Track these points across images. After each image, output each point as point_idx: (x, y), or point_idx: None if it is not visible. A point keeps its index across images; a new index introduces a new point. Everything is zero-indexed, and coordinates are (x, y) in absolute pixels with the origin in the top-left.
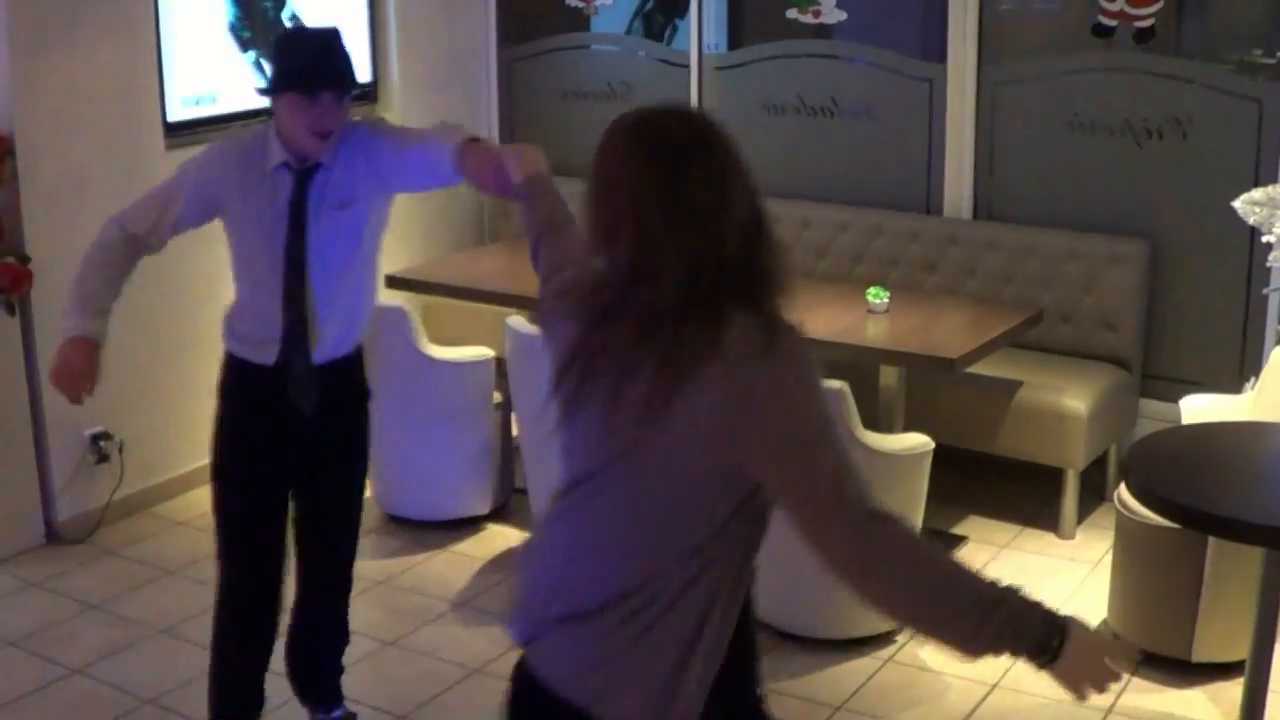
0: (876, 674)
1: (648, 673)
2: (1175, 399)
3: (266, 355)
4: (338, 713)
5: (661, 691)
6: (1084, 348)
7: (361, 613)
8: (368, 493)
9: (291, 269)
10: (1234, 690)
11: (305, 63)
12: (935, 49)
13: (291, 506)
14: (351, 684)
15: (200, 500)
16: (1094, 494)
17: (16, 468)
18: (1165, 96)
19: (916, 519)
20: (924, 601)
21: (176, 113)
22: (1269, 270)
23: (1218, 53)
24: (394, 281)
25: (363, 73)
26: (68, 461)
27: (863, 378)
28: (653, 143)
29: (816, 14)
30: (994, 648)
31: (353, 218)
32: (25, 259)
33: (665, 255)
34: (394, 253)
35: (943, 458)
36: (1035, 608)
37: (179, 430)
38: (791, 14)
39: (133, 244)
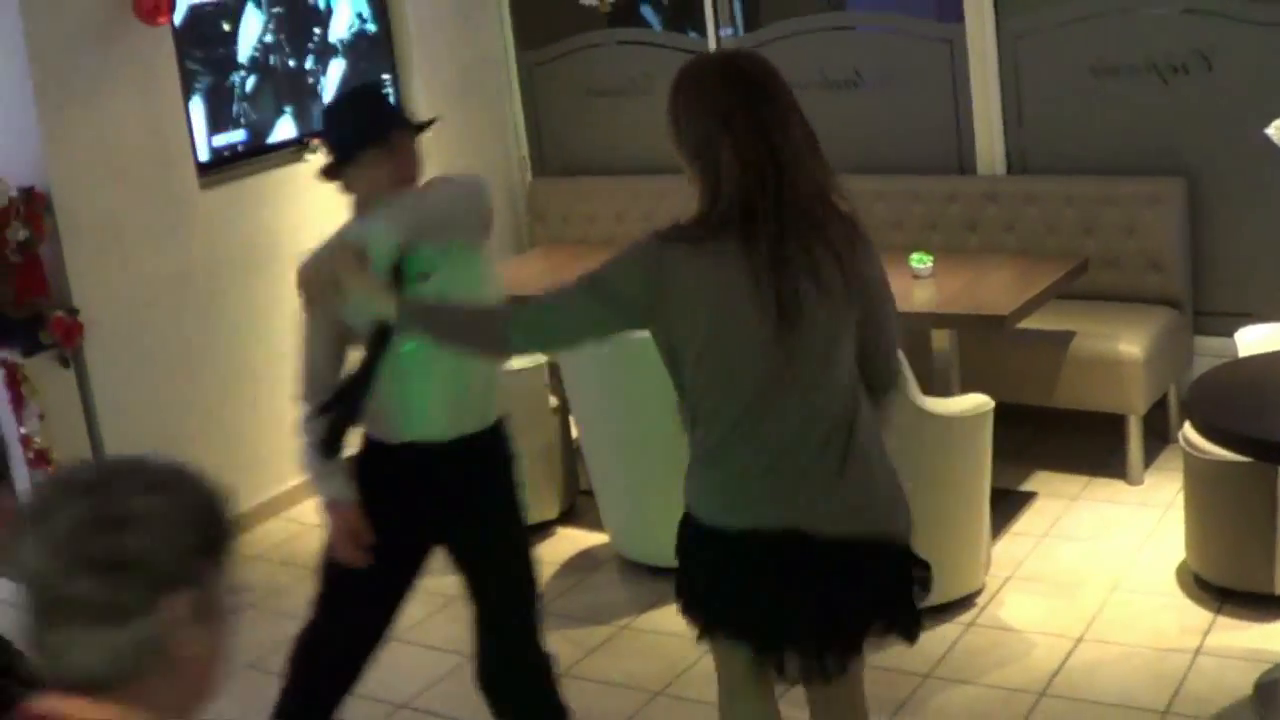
0: (961, 638)
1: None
2: (1229, 333)
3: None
4: None
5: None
6: (1132, 291)
7: (442, 628)
8: None
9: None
10: None
11: (369, 115)
12: (952, 9)
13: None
14: (439, 698)
15: (272, 532)
16: (1158, 437)
17: None
18: (1186, 31)
19: (983, 479)
20: None
21: (207, 152)
22: None
23: None
24: None
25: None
26: None
27: (915, 343)
28: (739, 75)
29: None
30: None
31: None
32: (74, 311)
33: (768, 169)
34: None
35: (1003, 415)
36: None
37: (244, 465)
38: None
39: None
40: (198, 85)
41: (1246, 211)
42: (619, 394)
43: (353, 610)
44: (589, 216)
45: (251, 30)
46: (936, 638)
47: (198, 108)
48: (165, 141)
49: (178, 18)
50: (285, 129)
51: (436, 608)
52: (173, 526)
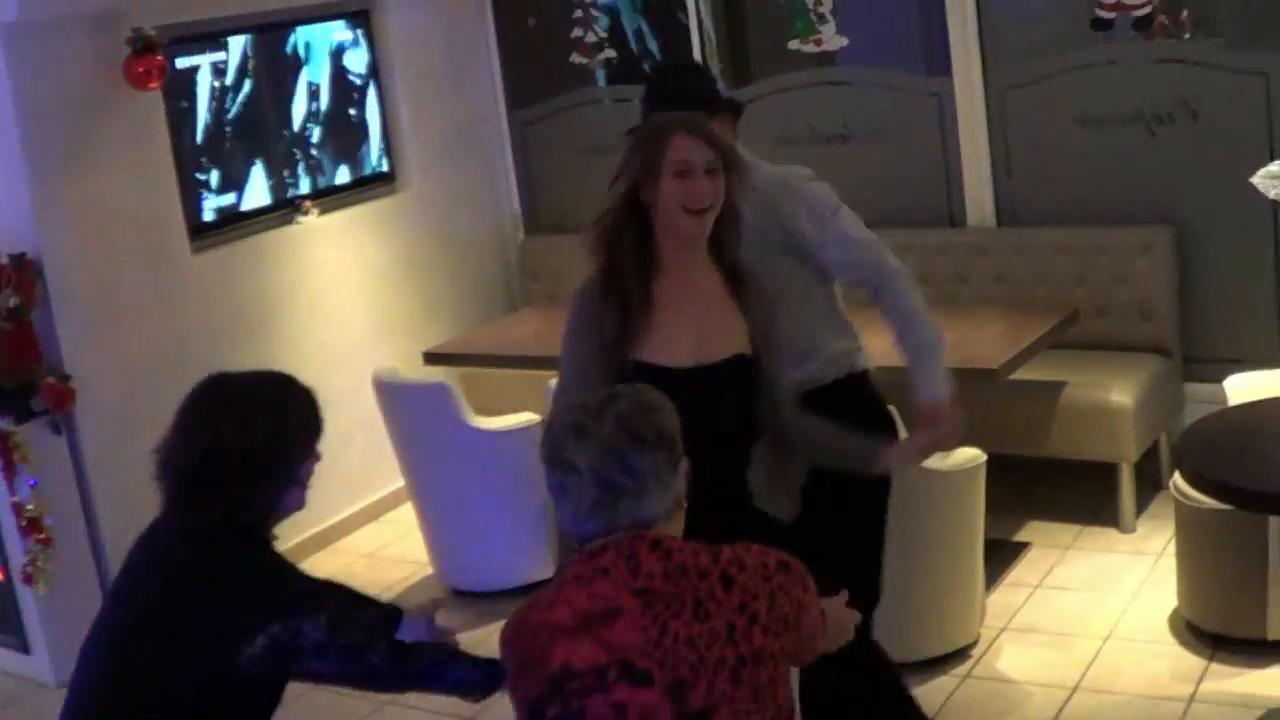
0: (957, 690)
1: None
2: (1219, 380)
3: None
4: None
5: None
6: (1122, 340)
7: None
8: (429, 569)
9: None
10: None
11: (693, 86)
12: (939, 62)
13: None
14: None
15: None
16: (1150, 484)
17: (77, 583)
18: (1172, 81)
19: (977, 532)
20: None
21: (200, 216)
22: None
23: (1218, 31)
24: (432, 358)
25: (378, 159)
26: None
27: (908, 398)
28: None
29: (819, 42)
30: None
31: None
32: (66, 377)
33: None
34: (427, 329)
35: (996, 467)
36: None
37: None
38: (794, 45)
39: None
40: (189, 150)
41: (1234, 259)
42: None
43: None
44: (582, 275)
45: (243, 94)
46: (933, 690)
47: (189, 173)
48: (157, 206)
49: (169, 83)
50: (276, 191)
51: None
52: (671, 413)
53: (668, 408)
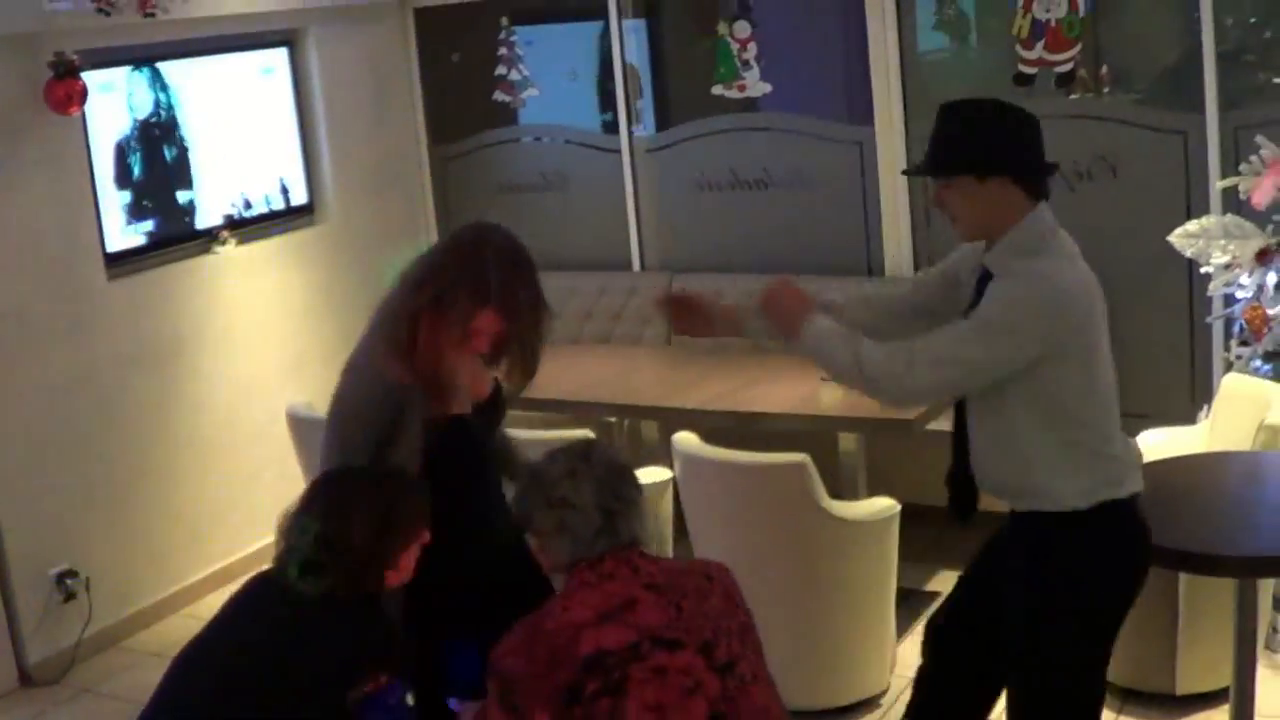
0: None
1: None
2: (1131, 435)
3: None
4: None
5: None
6: None
7: None
8: None
9: None
10: (1221, 718)
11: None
12: (861, 112)
13: None
14: None
15: (173, 629)
16: None
17: None
18: (1092, 138)
19: (889, 581)
20: None
21: (116, 244)
22: (1210, 299)
23: (1138, 90)
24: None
25: (298, 190)
26: (35, 602)
27: (822, 447)
28: None
29: (742, 87)
30: None
31: None
32: None
33: None
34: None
35: (909, 515)
36: None
37: (145, 561)
38: (717, 90)
39: None
40: (108, 176)
41: (1149, 316)
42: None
43: None
44: None
45: (163, 121)
46: None
47: (107, 199)
48: (73, 232)
49: (88, 108)
50: (194, 220)
51: None
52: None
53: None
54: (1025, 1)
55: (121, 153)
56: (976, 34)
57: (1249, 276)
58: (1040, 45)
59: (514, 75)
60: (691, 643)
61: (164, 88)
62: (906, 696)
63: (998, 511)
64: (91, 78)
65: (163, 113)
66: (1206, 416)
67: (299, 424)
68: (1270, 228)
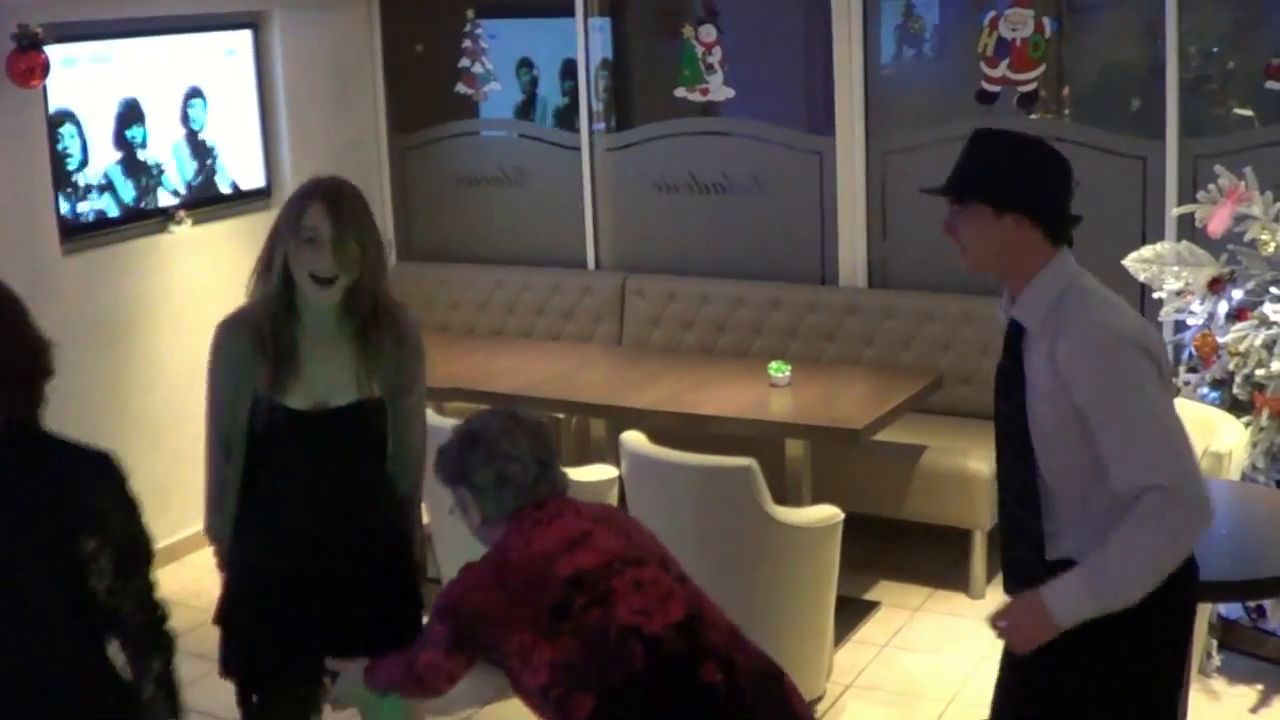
0: None
1: None
2: None
3: None
4: None
5: None
6: (985, 409)
7: None
8: None
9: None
10: None
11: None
12: (823, 122)
13: None
14: None
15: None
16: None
17: None
18: None
19: (829, 588)
20: None
21: (71, 218)
22: (1161, 325)
23: (1100, 114)
24: None
25: (255, 173)
26: None
27: (769, 452)
28: None
29: (705, 91)
30: None
31: None
32: None
33: None
34: None
35: (852, 525)
36: None
37: None
38: (680, 92)
39: None
40: (66, 151)
41: None
42: None
43: None
44: (452, 304)
45: (124, 97)
46: None
47: (64, 173)
48: (30, 205)
49: (50, 82)
50: (151, 199)
51: None
52: None
53: None
54: (992, 19)
55: (80, 128)
56: (941, 50)
57: (1200, 304)
58: (1004, 64)
59: (477, 68)
60: (651, 560)
61: (127, 65)
62: (842, 703)
63: (938, 526)
64: (54, 51)
65: (125, 90)
66: None
67: None
68: (1224, 257)
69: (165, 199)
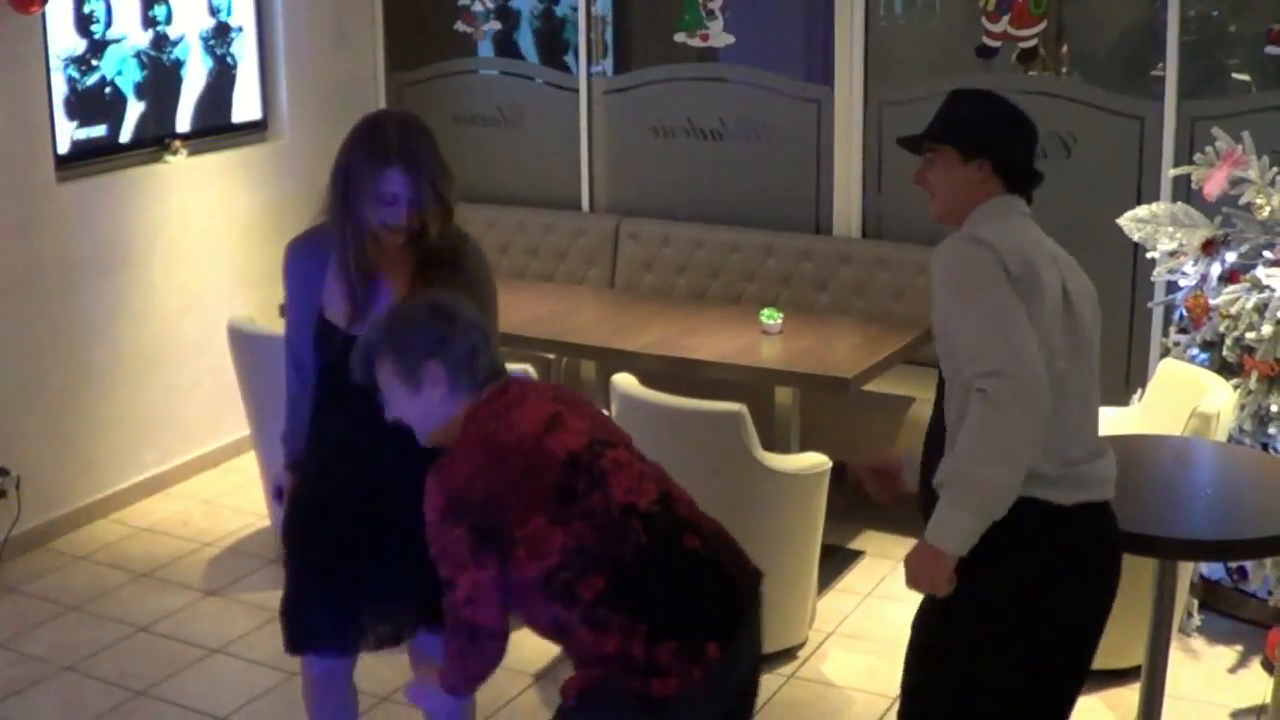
0: (781, 690)
1: None
2: None
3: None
4: None
5: None
6: None
7: (267, 643)
8: (266, 521)
9: None
10: (1130, 695)
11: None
12: (822, 71)
13: None
14: (257, 714)
15: (101, 533)
16: None
17: None
18: (1049, 115)
19: (815, 535)
20: None
21: (67, 145)
22: (1153, 285)
23: (1099, 72)
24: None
25: (252, 106)
26: None
27: (759, 398)
28: None
29: (705, 37)
30: None
31: None
32: None
33: None
34: None
35: (838, 474)
36: None
37: (77, 464)
38: (680, 37)
39: None
40: (63, 77)
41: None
42: None
43: None
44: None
45: (122, 27)
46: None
47: (61, 100)
48: (25, 132)
49: (49, 9)
50: (147, 128)
51: (261, 622)
52: None
53: None
54: None
55: (78, 56)
56: (943, 3)
57: (1193, 265)
58: (1006, 20)
59: (477, 6)
60: (619, 441)
61: None
62: (824, 650)
63: None
64: None
65: (123, 19)
66: (1140, 400)
67: (239, 338)
68: (1219, 219)
69: (160, 129)
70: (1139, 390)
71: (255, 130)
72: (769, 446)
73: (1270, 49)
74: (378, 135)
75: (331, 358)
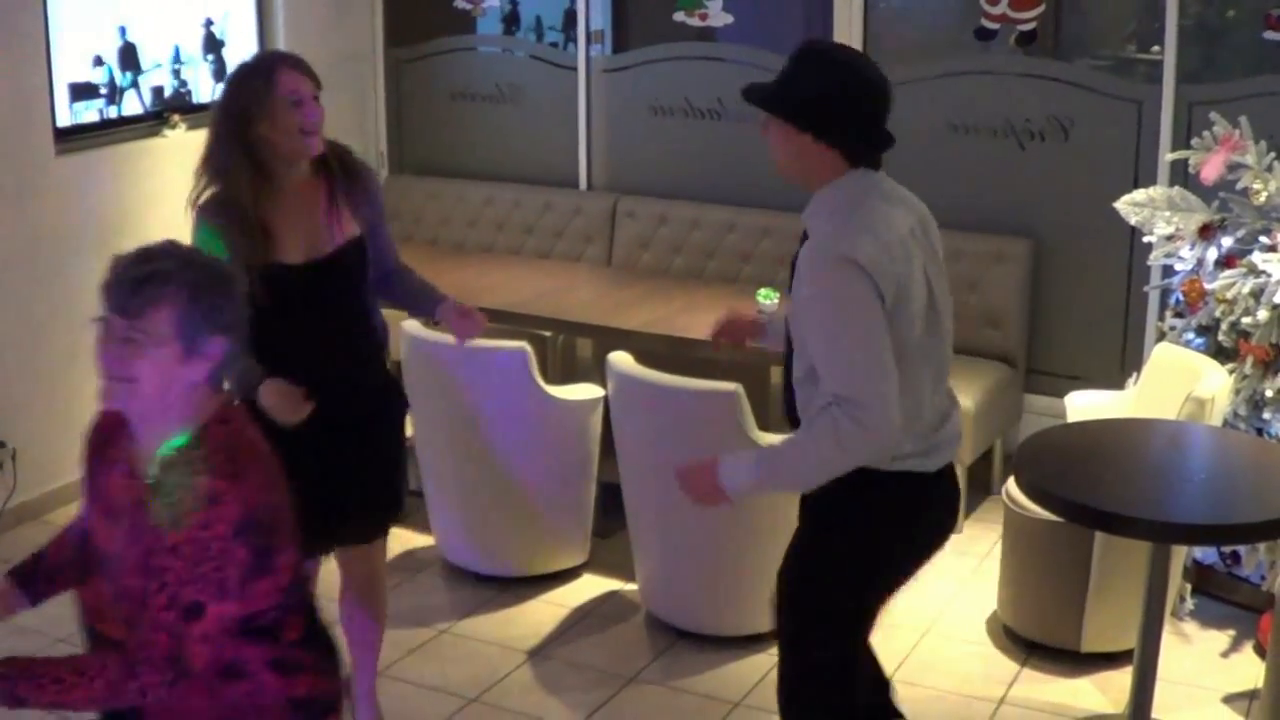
0: (774, 669)
1: None
2: (1059, 394)
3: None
4: None
5: None
6: (969, 345)
7: None
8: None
9: None
10: (1122, 679)
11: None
12: None
13: None
14: None
15: None
16: (980, 488)
17: None
18: (1047, 98)
19: None
20: None
21: (66, 117)
22: (1149, 269)
23: (1098, 55)
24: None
25: None
26: None
27: (755, 379)
28: None
29: (703, 17)
30: None
31: None
32: None
33: None
34: None
35: None
36: None
37: (73, 437)
38: (679, 17)
39: None
40: (61, 50)
41: (1087, 280)
42: (456, 395)
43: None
44: (442, 219)
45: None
46: (749, 667)
47: (60, 73)
48: (24, 103)
49: None
50: (145, 102)
51: None
52: None
53: None
54: None
55: (78, 29)
56: None
57: (1190, 250)
58: (1005, 2)
59: None
60: None
61: None
62: None
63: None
64: None
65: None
66: (1135, 383)
67: None
68: (1216, 204)
69: (158, 103)
70: (1134, 374)
71: None
72: (764, 426)
73: (1269, 34)
74: (250, 68)
75: (285, 294)
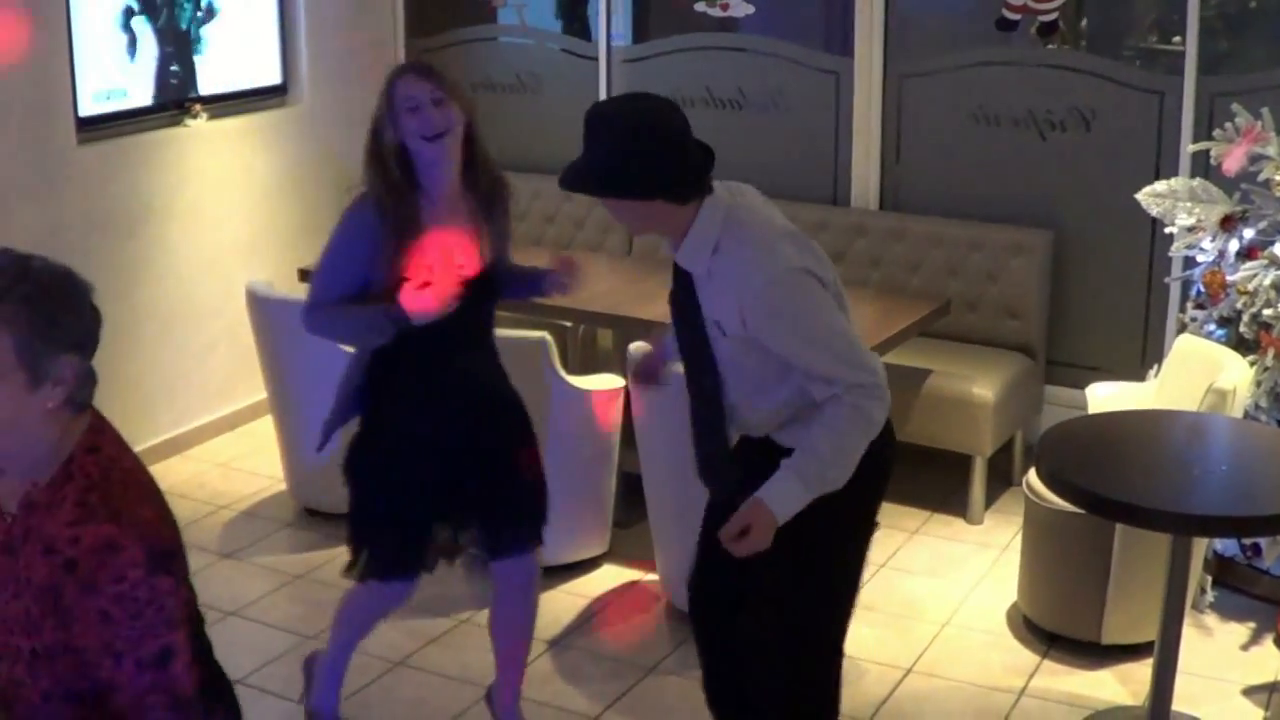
0: None
1: None
2: (1079, 386)
3: None
4: None
5: None
6: (990, 336)
7: (281, 607)
8: (283, 485)
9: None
10: (1142, 671)
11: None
12: (841, 42)
13: None
14: (271, 678)
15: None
16: (1001, 479)
17: None
18: (1068, 89)
19: None
20: None
21: (88, 107)
22: (1170, 260)
23: (1120, 46)
24: (306, 275)
25: (272, 69)
26: None
27: None
28: None
29: (725, 7)
30: None
31: None
32: None
33: None
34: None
35: None
36: None
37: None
38: (700, 7)
39: None
40: (84, 40)
41: (1108, 271)
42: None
43: None
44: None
45: None
46: None
47: (83, 62)
48: (47, 93)
49: None
50: (167, 91)
51: (276, 585)
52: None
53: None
54: None
55: (100, 18)
56: None
57: (1211, 241)
58: None
59: None
60: None
61: None
62: None
63: (939, 449)
64: None
65: None
66: (1156, 375)
67: (258, 302)
68: (1237, 195)
69: (181, 92)
70: (1155, 366)
71: (275, 95)
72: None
73: None
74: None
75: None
